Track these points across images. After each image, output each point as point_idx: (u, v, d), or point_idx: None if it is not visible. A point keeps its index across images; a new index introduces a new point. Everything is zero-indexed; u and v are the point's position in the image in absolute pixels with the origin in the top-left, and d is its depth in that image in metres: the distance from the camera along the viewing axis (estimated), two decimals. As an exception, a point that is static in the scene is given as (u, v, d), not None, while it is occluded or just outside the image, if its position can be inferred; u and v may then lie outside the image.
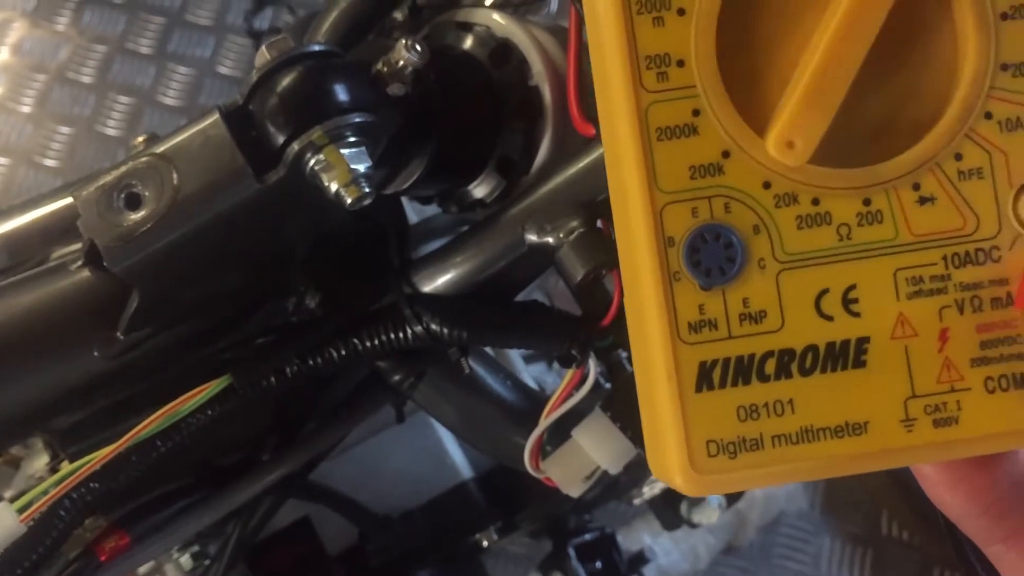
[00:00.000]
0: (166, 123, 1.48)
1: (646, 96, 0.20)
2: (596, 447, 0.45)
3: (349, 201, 0.37)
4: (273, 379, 0.43)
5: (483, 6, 0.46)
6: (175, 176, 0.38)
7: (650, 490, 0.81)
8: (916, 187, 0.20)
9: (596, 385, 0.44)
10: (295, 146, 0.37)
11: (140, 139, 0.57)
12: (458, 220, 0.65)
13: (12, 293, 0.43)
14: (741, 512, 1.18)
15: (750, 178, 0.20)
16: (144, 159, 0.38)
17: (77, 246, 0.55)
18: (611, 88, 0.20)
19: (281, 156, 0.38)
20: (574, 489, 0.46)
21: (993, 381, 0.20)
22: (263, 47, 0.39)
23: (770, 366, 0.20)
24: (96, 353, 0.42)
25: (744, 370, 0.20)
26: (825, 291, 0.20)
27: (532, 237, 0.40)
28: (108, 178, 0.38)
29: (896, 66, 0.20)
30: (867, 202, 0.20)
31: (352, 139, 0.38)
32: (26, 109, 1.49)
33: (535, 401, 0.50)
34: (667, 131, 0.20)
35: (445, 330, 0.42)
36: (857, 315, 0.20)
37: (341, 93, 0.38)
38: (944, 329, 0.20)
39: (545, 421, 0.45)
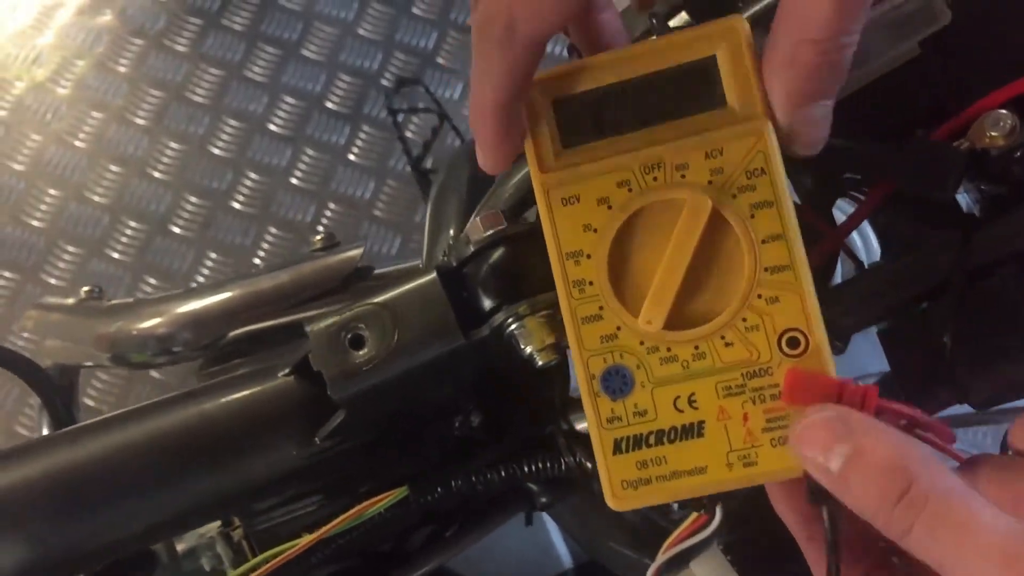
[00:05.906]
0: (272, 150, 1.56)
1: (573, 301, 0.37)
2: (709, 583, 0.51)
3: (540, 363, 0.43)
4: (440, 490, 0.50)
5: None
6: (396, 324, 0.44)
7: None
8: (723, 337, 0.35)
9: (718, 528, 0.50)
10: (502, 314, 0.43)
11: (318, 238, 0.64)
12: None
13: (225, 391, 0.49)
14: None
15: (632, 340, 0.36)
16: (369, 306, 0.45)
17: (253, 327, 0.62)
18: (559, 294, 0.37)
19: (487, 319, 0.44)
20: (683, 615, 0.52)
21: (775, 440, 0.35)
22: (477, 219, 0.46)
23: (651, 439, 0.36)
24: (294, 452, 0.48)
25: (637, 442, 0.36)
26: (678, 397, 0.36)
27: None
28: (338, 318, 0.45)
29: (708, 273, 0.35)
30: (697, 347, 0.35)
31: (548, 312, 0.44)
32: (141, 122, 1.58)
33: (653, 524, 0.56)
34: (586, 318, 0.36)
35: (597, 469, 0.48)
36: (696, 409, 0.35)
37: (544, 272, 0.44)
38: (745, 413, 0.35)
39: (663, 556, 0.51)
